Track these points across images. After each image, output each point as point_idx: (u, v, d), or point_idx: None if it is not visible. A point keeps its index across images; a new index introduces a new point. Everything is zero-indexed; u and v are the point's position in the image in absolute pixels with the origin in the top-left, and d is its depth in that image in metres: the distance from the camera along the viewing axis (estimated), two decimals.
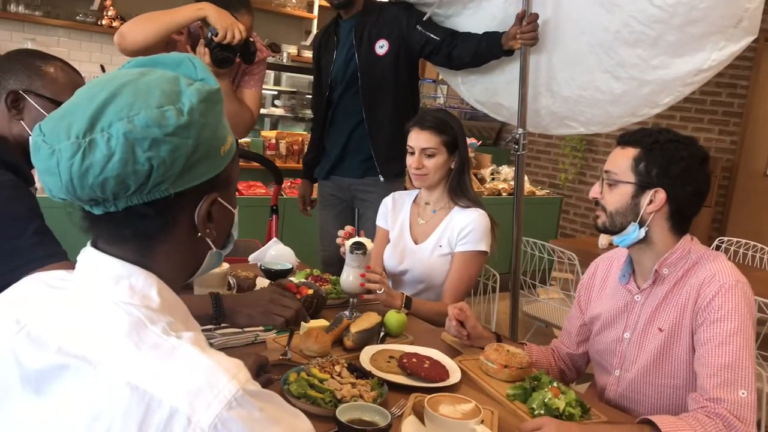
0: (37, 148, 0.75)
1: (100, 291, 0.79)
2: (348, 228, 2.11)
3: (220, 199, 0.85)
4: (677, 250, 1.57)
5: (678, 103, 2.81)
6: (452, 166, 2.24)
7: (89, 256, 0.82)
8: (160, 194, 0.77)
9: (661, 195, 1.53)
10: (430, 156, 2.19)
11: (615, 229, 1.59)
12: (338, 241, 2.10)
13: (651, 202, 1.54)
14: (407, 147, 2.23)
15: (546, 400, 1.43)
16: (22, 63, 1.48)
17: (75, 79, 1.54)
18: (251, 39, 2.43)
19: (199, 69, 0.83)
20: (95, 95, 0.75)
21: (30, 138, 1.45)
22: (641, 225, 1.56)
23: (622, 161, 1.58)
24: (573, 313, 1.87)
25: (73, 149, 0.72)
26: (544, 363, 1.82)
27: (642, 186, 1.55)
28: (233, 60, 2.36)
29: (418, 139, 2.19)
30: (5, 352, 0.78)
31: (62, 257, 1.28)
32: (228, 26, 2.25)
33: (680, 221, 1.57)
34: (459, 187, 2.25)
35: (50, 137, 0.75)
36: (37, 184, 1.52)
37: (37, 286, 0.83)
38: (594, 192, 1.63)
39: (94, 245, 0.82)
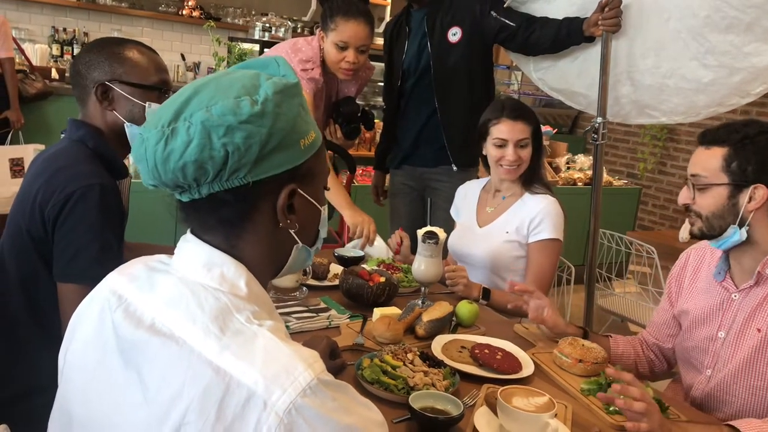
0: (134, 138, 0.82)
1: (194, 275, 0.84)
2: (398, 238, 2.31)
3: (301, 191, 0.87)
4: None
5: None
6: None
7: (187, 243, 0.87)
8: (239, 182, 0.81)
9: (761, 191, 1.46)
10: (523, 147, 2.16)
11: (714, 233, 1.52)
12: (393, 250, 2.29)
13: (751, 199, 1.46)
14: (494, 140, 2.17)
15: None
16: (101, 53, 1.48)
17: (155, 59, 1.54)
18: (367, 110, 2.82)
19: (282, 67, 0.89)
20: (184, 91, 0.83)
21: (126, 127, 1.50)
22: (741, 225, 1.48)
23: (710, 162, 1.50)
24: (663, 305, 1.81)
25: (157, 136, 0.79)
26: (631, 353, 1.78)
27: (738, 185, 1.47)
28: (360, 130, 2.80)
29: (513, 131, 2.14)
30: (107, 323, 0.85)
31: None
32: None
33: None
34: (534, 175, 2.22)
35: (144, 128, 0.83)
36: (130, 169, 1.55)
37: (142, 268, 0.89)
38: (683, 198, 1.55)
39: (193, 233, 0.88)
